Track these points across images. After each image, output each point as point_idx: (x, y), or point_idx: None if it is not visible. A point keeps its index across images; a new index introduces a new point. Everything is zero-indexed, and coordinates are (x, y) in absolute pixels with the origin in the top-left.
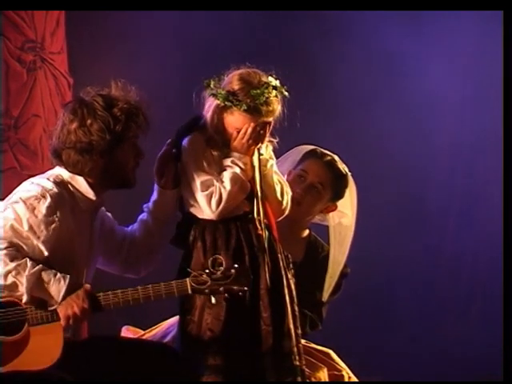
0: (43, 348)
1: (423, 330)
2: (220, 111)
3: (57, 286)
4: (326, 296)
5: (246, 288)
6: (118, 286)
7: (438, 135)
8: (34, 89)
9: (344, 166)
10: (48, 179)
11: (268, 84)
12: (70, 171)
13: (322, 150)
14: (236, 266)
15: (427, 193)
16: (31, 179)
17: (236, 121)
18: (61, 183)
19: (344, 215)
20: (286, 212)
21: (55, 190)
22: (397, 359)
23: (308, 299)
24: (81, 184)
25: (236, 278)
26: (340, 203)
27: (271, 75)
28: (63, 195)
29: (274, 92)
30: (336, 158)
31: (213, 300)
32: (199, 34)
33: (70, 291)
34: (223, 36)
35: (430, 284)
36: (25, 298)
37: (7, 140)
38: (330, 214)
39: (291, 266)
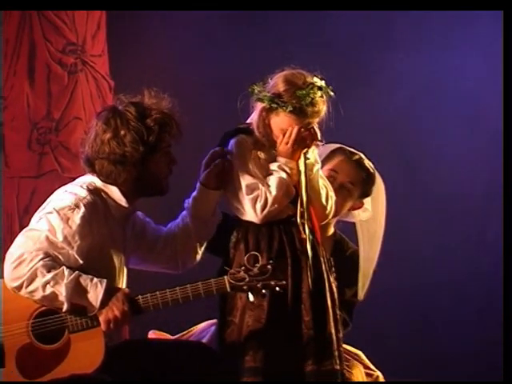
0: (85, 354)
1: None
2: (266, 114)
3: (94, 290)
4: (361, 295)
5: (283, 282)
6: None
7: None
8: (75, 91)
9: (370, 163)
10: (81, 187)
11: (313, 84)
12: (102, 180)
13: (348, 148)
14: (272, 261)
15: (471, 190)
16: (64, 187)
17: (281, 122)
18: (94, 190)
19: (365, 210)
20: (330, 216)
21: (89, 198)
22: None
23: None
24: (114, 192)
25: (273, 274)
26: (364, 200)
27: (316, 75)
28: (97, 203)
29: (320, 92)
30: (363, 155)
31: (251, 298)
32: (241, 34)
33: (108, 295)
34: (268, 37)
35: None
36: (65, 307)
37: (48, 142)
38: (356, 211)
39: (333, 269)
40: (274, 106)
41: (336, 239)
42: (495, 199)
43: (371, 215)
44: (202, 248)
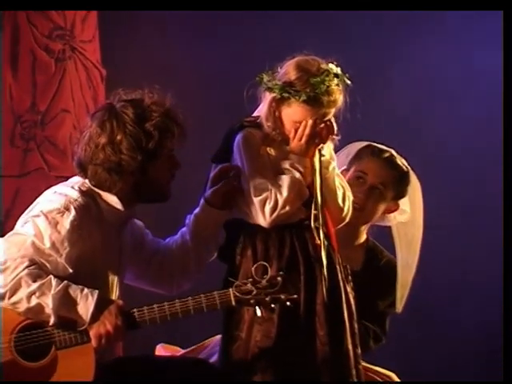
0: (73, 373)
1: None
2: (277, 105)
3: (84, 302)
4: (400, 307)
5: (295, 296)
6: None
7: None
8: (63, 81)
9: (403, 161)
10: (72, 187)
11: (329, 71)
12: (95, 186)
13: (378, 145)
14: (282, 272)
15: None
16: (54, 188)
17: (294, 113)
18: (87, 192)
19: (402, 212)
20: (347, 219)
21: (80, 200)
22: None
23: (369, 310)
24: (108, 195)
25: (283, 286)
26: (400, 201)
27: (331, 62)
28: (89, 206)
29: (336, 80)
30: (394, 153)
31: (258, 312)
32: (247, 28)
33: (99, 308)
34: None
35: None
36: (52, 320)
37: (33, 138)
38: (391, 214)
39: (350, 278)
40: (286, 95)
41: (368, 247)
42: (497, 198)
43: (410, 217)
44: (201, 270)
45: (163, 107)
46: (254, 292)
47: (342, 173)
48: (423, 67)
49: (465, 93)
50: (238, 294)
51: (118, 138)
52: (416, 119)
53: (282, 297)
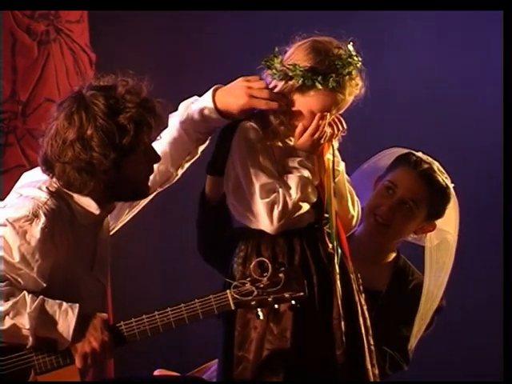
0: None
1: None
2: (294, 94)
3: (64, 318)
4: (413, 342)
5: (301, 293)
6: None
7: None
8: (46, 67)
9: (445, 176)
10: (40, 189)
11: (351, 52)
12: (63, 186)
13: (419, 155)
14: (283, 268)
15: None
16: (19, 189)
17: (316, 103)
18: (57, 193)
19: (446, 233)
20: (356, 228)
21: (50, 203)
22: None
23: (390, 335)
24: (81, 197)
25: (286, 284)
26: (440, 221)
27: (348, 42)
28: (61, 209)
29: (360, 63)
30: (436, 166)
31: (260, 315)
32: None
33: (81, 323)
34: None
35: None
36: (30, 342)
37: (14, 131)
38: (428, 235)
39: (362, 288)
40: (309, 82)
41: (397, 266)
42: (497, 199)
43: (453, 239)
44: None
45: (139, 97)
46: (255, 293)
47: (376, 180)
48: (422, 68)
49: (464, 93)
50: (237, 296)
51: (89, 132)
52: (415, 120)
53: (286, 295)
